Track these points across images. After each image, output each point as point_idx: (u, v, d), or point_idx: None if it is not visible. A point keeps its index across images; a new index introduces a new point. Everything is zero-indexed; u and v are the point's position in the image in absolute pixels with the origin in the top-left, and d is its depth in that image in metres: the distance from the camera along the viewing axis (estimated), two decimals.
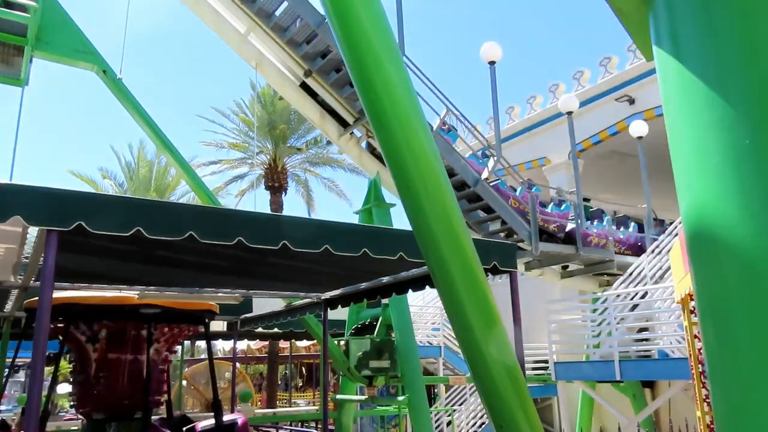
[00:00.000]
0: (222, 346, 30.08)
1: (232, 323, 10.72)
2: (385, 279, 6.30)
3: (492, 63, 10.74)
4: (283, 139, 23.88)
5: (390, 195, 10.74)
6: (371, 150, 10.80)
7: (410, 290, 6.33)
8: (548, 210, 11.91)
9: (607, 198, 18.77)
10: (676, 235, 13.71)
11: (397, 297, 7.99)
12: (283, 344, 24.08)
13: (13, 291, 6.29)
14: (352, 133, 10.65)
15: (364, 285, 6.76)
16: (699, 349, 5.39)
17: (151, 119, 7.94)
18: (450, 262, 3.63)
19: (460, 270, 3.65)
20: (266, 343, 23.89)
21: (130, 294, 5.85)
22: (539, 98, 19.05)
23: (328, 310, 7.57)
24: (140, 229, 3.26)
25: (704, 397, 5.24)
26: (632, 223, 14.94)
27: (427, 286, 6.07)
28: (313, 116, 10.54)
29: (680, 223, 12.50)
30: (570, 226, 12.16)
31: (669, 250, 13.29)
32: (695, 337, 5.40)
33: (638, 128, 14.21)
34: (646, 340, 11.65)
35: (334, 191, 25.60)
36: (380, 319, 9.57)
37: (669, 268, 12.77)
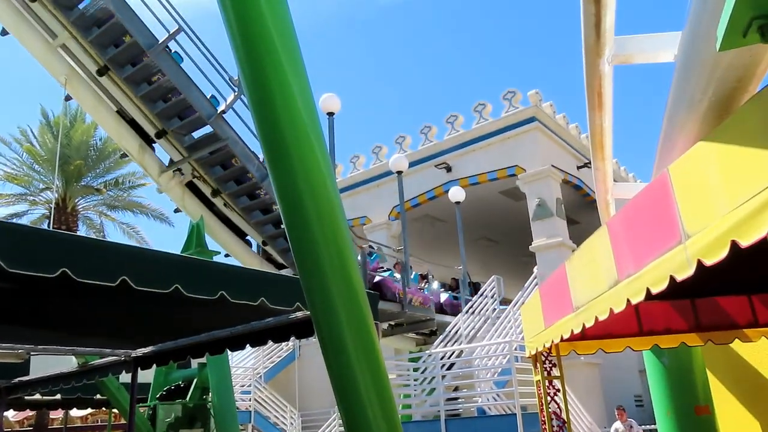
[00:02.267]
0: None
1: None
2: (220, 332, 5.43)
3: (330, 114, 10.58)
4: (77, 177, 21.16)
5: (213, 242, 9.78)
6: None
7: (249, 345, 5.53)
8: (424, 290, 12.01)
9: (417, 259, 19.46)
10: (485, 297, 14.47)
11: (217, 356, 7.06)
12: (54, 414, 20.63)
13: None
14: (176, 171, 9.56)
15: (188, 339, 5.78)
16: (549, 403, 5.37)
17: None
18: (340, 308, 3.06)
19: (349, 318, 3.10)
20: (31, 413, 20.23)
21: None
22: (362, 158, 19.42)
23: (138, 370, 6.35)
24: None
25: None
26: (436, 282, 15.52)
27: (270, 341, 5.31)
28: (131, 148, 9.26)
29: (491, 283, 13.08)
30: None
31: (481, 311, 13.91)
32: (547, 392, 5.36)
33: (456, 194, 14.98)
34: (455, 399, 11.84)
35: (135, 238, 23.16)
36: (194, 381, 8.39)
37: (481, 328, 13.34)
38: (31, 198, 22.21)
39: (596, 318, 3.55)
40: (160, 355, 6.15)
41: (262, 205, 10.11)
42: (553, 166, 16.19)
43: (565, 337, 4.39)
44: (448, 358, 11.44)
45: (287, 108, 2.90)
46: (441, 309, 12.89)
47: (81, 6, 8.32)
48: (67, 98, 8.92)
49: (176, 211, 10.19)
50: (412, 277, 13.39)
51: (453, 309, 13.42)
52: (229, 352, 6.51)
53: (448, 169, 17.35)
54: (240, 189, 9.95)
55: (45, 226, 20.86)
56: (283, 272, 10.31)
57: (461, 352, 11.61)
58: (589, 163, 18.26)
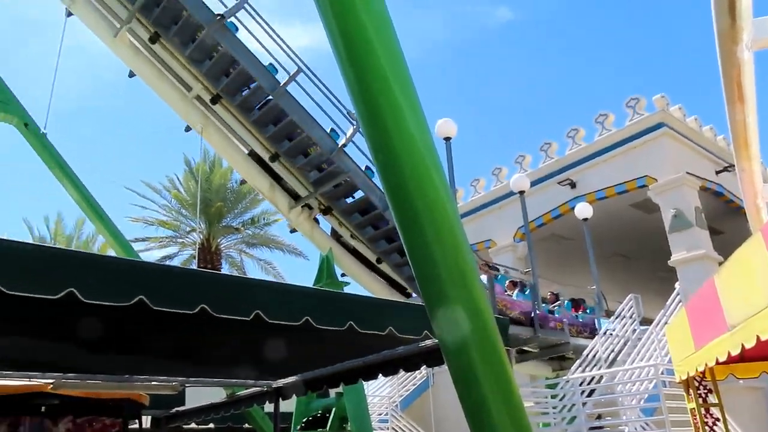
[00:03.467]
0: None
1: (158, 419, 9.37)
2: (353, 362, 5.51)
3: (447, 139, 10.59)
4: (218, 218, 22.84)
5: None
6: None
7: (381, 374, 5.57)
8: (513, 296, 11.55)
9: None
10: (623, 318, 13.59)
11: (353, 385, 7.17)
12: None
13: None
14: (305, 206, 10.02)
15: (324, 370, 5.93)
16: None
17: (78, 180, 7.06)
18: (468, 336, 2.99)
19: (478, 346, 3.01)
20: None
21: (43, 382, 4.79)
22: (482, 181, 19.23)
23: (280, 400, 6.61)
24: (74, 291, 2.45)
25: None
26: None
27: (402, 369, 5.30)
28: (262, 187, 9.87)
29: (628, 302, 12.26)
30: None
31: (620, 333, 13.06)
32: (704, 421, 4.87)
33: (583, 210, 14.34)
34: (599, 428, 11.13)
35: (271, 273, 24.47)
36: (333, 410, 8.58)
37: (621, 351, 12.50)
38: (180, 240, 24.24)
39: (757, 337, 3.20)
40: (299, 386, 6.36)
41: (386, 234, 10.29)
42: (687, 173, 15.04)
43: (721, 359, 3.98)
44: (588, 383, 10.83)
45: (403, 139, 2.90)
46: (531, 321, 11.77)
47: (210, 59, 9.09)
48: (187, 129, 9.67)
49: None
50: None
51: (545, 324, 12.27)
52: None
53: (573, 185, 16.68)
54: (365, 220, 10.21)
55: (193, 266, 22.64)
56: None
57: (601, 377, 10.95)
58: (730, 166, 16.72)
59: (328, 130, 9.80)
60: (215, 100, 9.42)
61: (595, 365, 11.77)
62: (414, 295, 10.97)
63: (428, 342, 4.50)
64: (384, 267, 10.51)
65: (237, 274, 24.17)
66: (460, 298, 2.88)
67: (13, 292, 2.32)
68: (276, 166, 9.80)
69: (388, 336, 3.76)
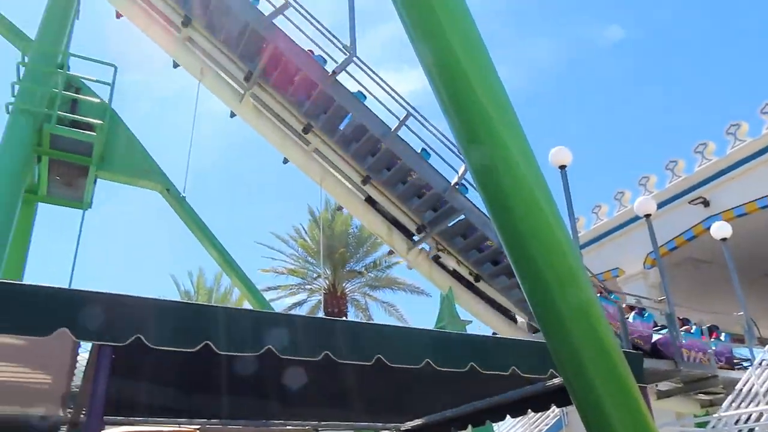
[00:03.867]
0: None
1: None
2: (479, 403, 5.43)
3: (563, 167, 10.28)
4: (342, 263, 23.58)
5: (463, 311, 9.99)
6: (441, 264, 10.29)
7: (509, 415, 5.44)
8: (630, 320, 10.76)
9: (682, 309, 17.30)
10: None
11: (482, 426, 7.00)
12: None
13: (63, 428, 5.67)
14: (422, 248, 10.17)
15: (451, 411, 5.88)
16: None
17: (215, 238, 7.66)
18: (593, 373, 2.86)
19: (605, 383, 2.87)
20: None
21: (191, 428, 5.16)
22: (604, 207, 18.38)
23: None
24: (209, 343, 2.67)
25: None
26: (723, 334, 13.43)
27: (530, 410, 5.15)
28: (380, 231, 10.16)
29: None
30: (655, 337, 10.89)
31: None
32: None
33: (720, 230, 13.19)
34: None
35: (395, 315, 24.72)
36: None
37: None
38: (308, 287, 25.21)
39: None
40: (425, 428, 6.34)
41: (506, 270, 10.11)
42: None
43: None
44: (745, 422, 9.77)
45: (510, 174, 2.89)
46: (655, 349, 10.50)
47: (325, 113, 9.62)
48: (285, 161, 10.16)
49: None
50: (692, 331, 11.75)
51: (668, 350, 10.87)
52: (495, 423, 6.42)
53: (706, 204, 15.46)
54: (482, 256, 10.12)
55: (320, 312, 23.41)
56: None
57: (761, 414, 9.83)
58: None
59: (419, 150, 9.94)
60: (307, 131, 9.86)
61: (752, 400, 10.62)
62: (519, 317, 10.71)
63: (556, 381, 4.34)
64: (482, 285, 10.40)
65: (363, 318, 24.76)
66: (582, 332, 2.79)
67: (157, 347, 2.57)
68: (391, 208, 10.05)
69: (511, 375, 3.69)
